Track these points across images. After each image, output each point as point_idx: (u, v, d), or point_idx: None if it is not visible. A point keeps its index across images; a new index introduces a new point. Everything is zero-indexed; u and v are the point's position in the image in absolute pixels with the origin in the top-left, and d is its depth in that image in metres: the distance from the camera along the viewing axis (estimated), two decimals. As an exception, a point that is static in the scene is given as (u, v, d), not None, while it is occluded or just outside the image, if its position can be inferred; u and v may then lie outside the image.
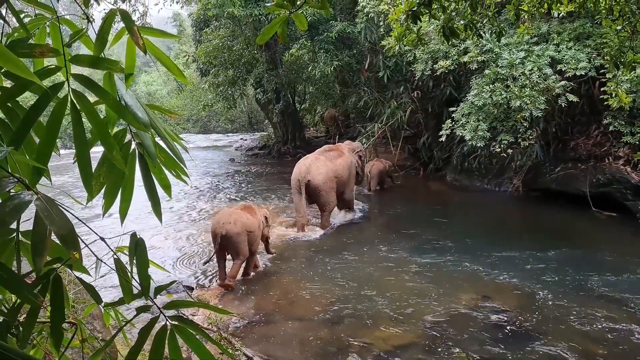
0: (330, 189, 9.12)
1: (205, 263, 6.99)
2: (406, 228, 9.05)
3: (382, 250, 7.73)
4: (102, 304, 1.56)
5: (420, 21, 4.35)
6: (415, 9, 4.10)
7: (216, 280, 6.56)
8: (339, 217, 9.94)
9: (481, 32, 4.91)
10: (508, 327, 5.20)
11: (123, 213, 1.46)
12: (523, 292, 6.03)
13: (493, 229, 9.10)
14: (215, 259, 6.52)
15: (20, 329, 1.31)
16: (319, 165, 9.12)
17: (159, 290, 1.45)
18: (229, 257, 6.46)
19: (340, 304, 5.84)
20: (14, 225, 1.18)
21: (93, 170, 1.34)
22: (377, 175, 12.26)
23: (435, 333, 5.11)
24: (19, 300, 1.24)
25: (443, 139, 10.58)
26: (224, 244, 6.20)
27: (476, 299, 5.87)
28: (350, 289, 6.24)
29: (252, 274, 6.82)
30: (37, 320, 1.33)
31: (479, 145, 9.61)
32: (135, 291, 1.41)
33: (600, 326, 5.16)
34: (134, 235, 1.39)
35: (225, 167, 17.39)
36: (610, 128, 9.38)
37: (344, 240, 8.42)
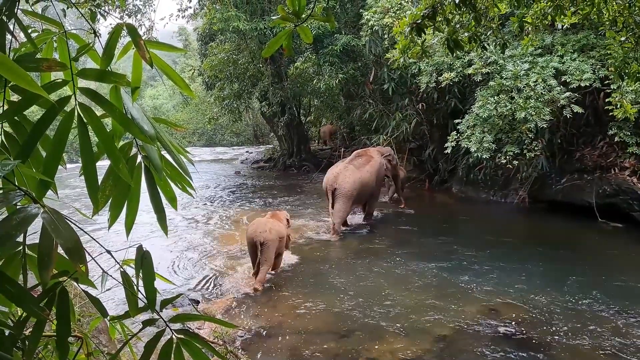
0: (351, 197, 9.49)
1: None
2: (412, 240, 9.03)
3: (388, 262, 7.70)
4: (108, 317, 1.56)
5: (425, 34, 4.36)
6: (419, 21, 4.12)
7: (220, 294, 6.58)
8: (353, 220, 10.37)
9: (485, 44, 4.93)
10: (515, 340, 5.16)
11: (129, 226, 1.46)
12: (530, 305, 5.98)
13: (499, 240, 9.05)
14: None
15: (26, 342, 1.30)
16: (347, 174, 9.57)
17: (164, 303, 1.45)
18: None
19: (346, 316, 5.81)
20: (20, 239, 1.18)
21: (99, 183, 1.34)
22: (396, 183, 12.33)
23: (442, 346, 5.07)
24: (24, 314, 1.24)
25: (448, 150, 10.58)
26: (261, 250, 6.69)
27: (483, 312, 5.83)
28: (357, 302, 6.21)
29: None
30: (43, 333, 1.33)
31: (484, 156, 9.60)
32: (141, 304, 1.41)
33: (608, 339, 5.11)
34: (140, 248, 1.39)
35: (231, 180, 17.41)
36: (616, 139, 9.37)
37: (350, 253, 8.40)
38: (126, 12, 15.33)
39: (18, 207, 1.11)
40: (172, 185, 1.50)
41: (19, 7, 1.45)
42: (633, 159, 9.59)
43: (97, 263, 1.43)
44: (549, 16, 4.97)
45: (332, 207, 9.40)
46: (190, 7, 18.18)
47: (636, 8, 4.77)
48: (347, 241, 9.20)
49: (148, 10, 16.59)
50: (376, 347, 5.08)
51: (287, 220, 7.60)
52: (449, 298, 6.26)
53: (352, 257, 8.17)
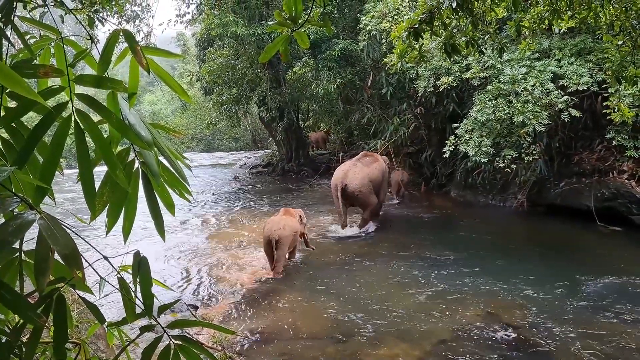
0: (368, 191, 9.94)
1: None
2: (411, 244, 9.02)
3: (387, 267, 7.69)
4: (106, 323, 1.55)
5: (422, 38, 4.38)
6: (416, 26, 4.14)
7: (218, 299, 6.58)
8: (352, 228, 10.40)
9: (483, 49, 4.95)
10: (515, 344, 5.15)
11: (126, 232, 1.46)
12: (529, 309, 5.97)
13: (498, 244, 9.04)
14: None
15: (23, 349, 1.30)
16: (356, 170, 9.97)
17: (162, 309, 1.45)
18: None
19: (346, 321, 5.80)
20: (17, 245, 1.18)
21: (96, 189, 1.34)
22: (407, 182, 12.89)
23: (441, 350, 5.06)
24: (22, 321, 1.24)
25: (447, 155, 10.58)
26: (277, 246, 7.27)
27: (482, 315, 5.82)
28: (356, 306, 6.20)
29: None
30: (40, 340, 1.32)
31: (482, 160, 9.60)
32: (139, 310, 1.41)
33: (608, 343, 5.10)
34: (137, 254, 1.39)
35: (229, 185, 17.41)
36: (614, 142, 9.37)
37: (348, 257, 8.38)
38: (124, 18, 15.37)
39: (15, 213, 1.10)
40: (170, 190, 1.50)
41: (16, 13, 1.45)
42: (631, 163, 9.60)
43: (94, 269, 1.43)
44: (546, 20, 4.99)
45: (343, 205, 9.86)
46: (188, 13, 18.28)
47: (633, 12, 4.79)
48: (345, 245, 9.19)
49: (146, 16, 16.65)
50: (375, 351, 5.07)
51: (301, 217, 8.05)
52: (447, 302, 6.26)
53: (350, 261, 8.15)
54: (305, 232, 8.29)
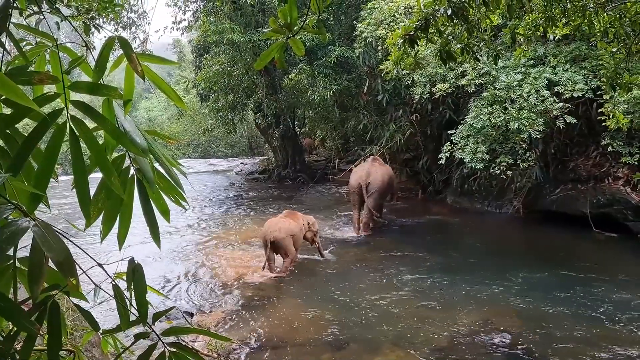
0: (383, 190, 10.34)
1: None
2: (406, 250, 9.01)
3: (383, 273, 7.68)
4: (100, 330, 1.55)
5: (418, 45, 4.40)
6: (412, 33, 4.16)
7: (214, 306, 6.55)
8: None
9: (478, 56, 4.96)
10: (511, 351, 5.15)
11: (121, 239, 1.45)
12: (525, 315, 5.97)
13: (494, 251, 9.05)
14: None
15: (17, 357, 1.29)
16: (376, 170, 10.42)
17: (157, 316, 1.45)
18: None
19: (341, 328, 5.79)
20: (11, 252, 1.18)
21: (91, 196, 1.34)
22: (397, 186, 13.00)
23: (437, 357, 5.05)
24: (15, 328, 1.23)
25: (442, 161, 10.59)
26: (273, 248, 7.42)
27: (478, 322, 5.82)
28: (352, 313, 6.19)
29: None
30: (34, 348, 1.32)
31: (478, 167, 9.61)
32: (133, 318, 1.40)
33: (604, 349, 5.10)
34: (131, 261, 1.39)
35: (225, 191, 17.39)
36: (609, 149, 9.40)
37: (344, 264, 8.37)
38: (121, 25, 15.38)
39: (9, 220, 1.10)
40: (165, 197, 1.50)
41: (12, 20, 1.45)
42: (626, 169, 9.62)
43: (88, 276, 1.42)
44: (541, 27, 5.01)
45: (361, 203, 10.19)
46: (184, 20, 18.29)
47: (627, 19, 4.82)
48: (341, 250, 9.18)
49: (143, 22, 16.65)
50: (371, 358, 5.06)
51: (309, 223, 8.12)
52: (443, 308, 6.25)
53: (346, 267, 8.15)
54: (317, 240, 8.36)
